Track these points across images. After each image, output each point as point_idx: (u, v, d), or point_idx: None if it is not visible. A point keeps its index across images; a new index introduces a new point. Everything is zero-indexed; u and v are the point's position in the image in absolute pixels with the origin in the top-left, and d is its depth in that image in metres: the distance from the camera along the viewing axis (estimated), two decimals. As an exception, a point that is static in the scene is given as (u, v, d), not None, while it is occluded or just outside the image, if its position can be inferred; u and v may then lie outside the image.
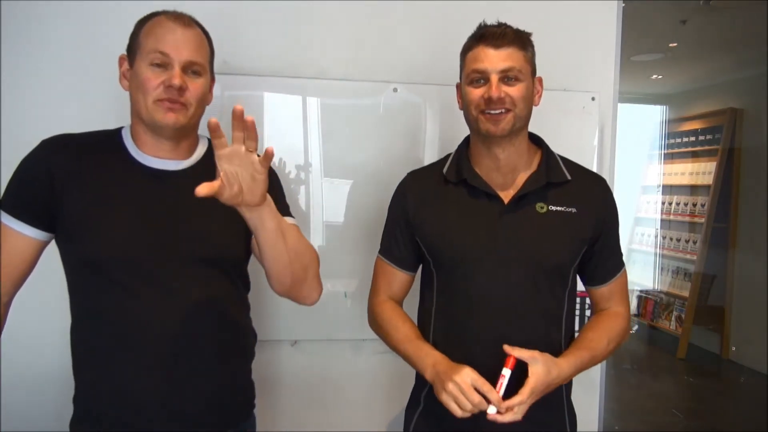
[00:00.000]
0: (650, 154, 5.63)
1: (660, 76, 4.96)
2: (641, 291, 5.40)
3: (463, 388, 1.02)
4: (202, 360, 1.06)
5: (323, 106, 1.69)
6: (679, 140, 5.29)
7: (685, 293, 4.81)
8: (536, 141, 1.27)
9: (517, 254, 1.14)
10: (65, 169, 1.03)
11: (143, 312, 1.02)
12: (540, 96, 1.22)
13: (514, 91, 1.11)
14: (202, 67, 1.06)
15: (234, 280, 1.13)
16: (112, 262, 1.01)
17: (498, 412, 1.04)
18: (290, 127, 1.68)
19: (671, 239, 5.16)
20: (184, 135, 1.09)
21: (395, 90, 1.71)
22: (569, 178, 1.19)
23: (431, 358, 1.12)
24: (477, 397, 1.02)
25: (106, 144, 1.09)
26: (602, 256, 1.22)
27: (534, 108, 1.22)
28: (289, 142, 1.68)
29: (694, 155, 5.06)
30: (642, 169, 5.67)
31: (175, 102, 1.02)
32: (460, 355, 1.12)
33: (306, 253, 1.09)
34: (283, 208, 1.17)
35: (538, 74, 1.22)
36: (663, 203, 5.34)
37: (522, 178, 1.19)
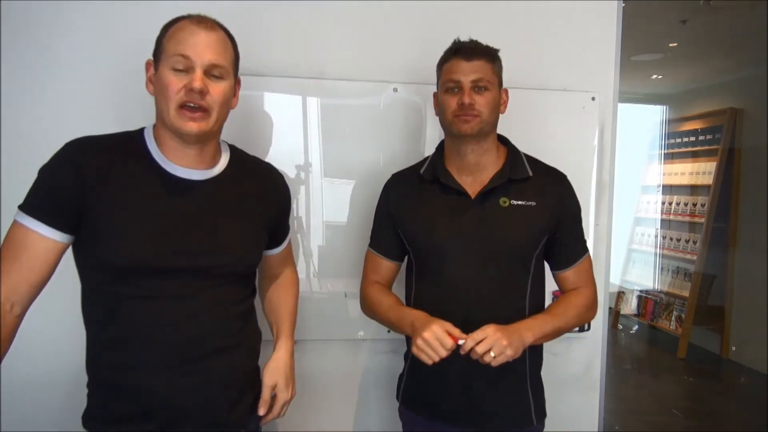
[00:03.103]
0: (650, 154, 5.62)
1: (660, 76, 4.96)
2: (641, 291, 5.40)
3: (430, 343, 1.16)
4: (212, 363, 1.08)
5: (323, 106, 1.69)
6: (679, 140, 5.29)
7: (685, 293, 4.81)
8: (504, 141, 1.40)
9: (480, 243, 1.29)
10: (93, 172, 1.02)
11: (157, 317, 1.04)
12: (506, 105, 1.37)
13: (482, 99, 1.27)
14: (225, 70, 1.06)
15: (245, 286, 1.18)
16: (131, 268, 1.02)
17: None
18: (290, 127, 1.68)
19: (671, 239, 5.16)
20: (208, 140, 1.10)
21: (395, 90, 1.71)
22: (530, 174, 1.33)
23: (409, 318, 1.26)
24: (443, 352, 1.16)
25: (130, 148, 1.09)
26: (562, 243, 1.36)
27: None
28: (289, 142, 1.68)
29: (694, 155, 5.06)
30: (642, 169, 5.66)
31: (197, 110, 1.03)
32: None
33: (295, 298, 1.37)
34: (287, 229, 1.34)
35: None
36: (663, 203, 5.34)
37: (488, 175, 1.33)
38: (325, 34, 1.69)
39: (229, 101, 1.10)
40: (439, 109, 1.34)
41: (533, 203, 1.31)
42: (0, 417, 1.55)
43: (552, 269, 1.40)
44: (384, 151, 1.72)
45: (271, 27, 1.66)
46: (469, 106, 1.25)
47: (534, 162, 1.37)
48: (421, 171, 1.39)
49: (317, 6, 1.67)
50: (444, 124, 1.34)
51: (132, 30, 1.55)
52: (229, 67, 1.08)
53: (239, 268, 1.14)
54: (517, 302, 1.32)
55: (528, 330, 1.22)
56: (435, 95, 1.38)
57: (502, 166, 1.34)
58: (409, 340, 1.34)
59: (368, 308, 1.41)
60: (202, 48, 1.03)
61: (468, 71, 1.26)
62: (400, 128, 1.73)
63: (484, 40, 1.33)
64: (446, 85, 1.30)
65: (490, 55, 1.30)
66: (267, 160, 1.62)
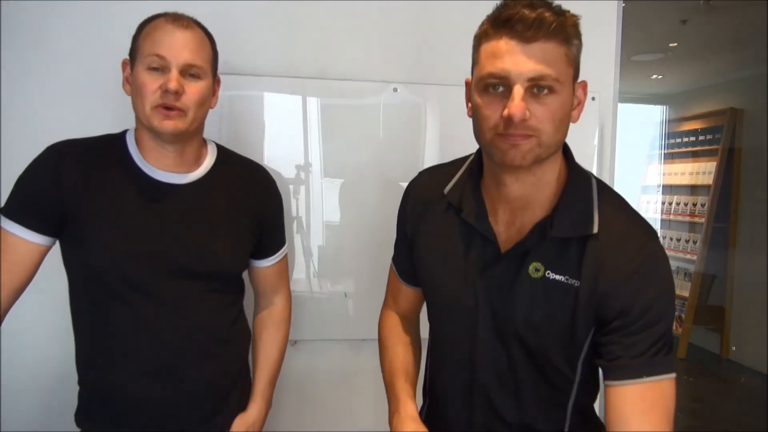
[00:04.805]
0: (650, 154, 5.63)
1: (660, 76, 4.96)
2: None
3: None
4: (194, 370, 1.08)
5: (323, 106, 1.69)
6: (679, 140, 5.29)
7: (685, 293, 4.81)
8: (566, 155, 0.92)
9: (490, 321, 0.91)
10: (73, 176, 1.02)
11: (139, 322, 1.03)
12: (581, 109, 0.86)
13: (545, 110, 0.78)
14: (202, 69, 1.03)
15: (231, 290, 1.16)
16: (112, 272, 1.02)
17: None
18: (290, 127, 1.68)
19: (671, 239, 5.16)
20: (187, 139, 1.07)
21: (395, 90, 1.71)
22: (595, 231, 0.84)
23: (394, 402, 0.99)
24: None
25: (111, 151, 1.07)
26: (618, 347, 0.84)
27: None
28: (289, 142, 1.68)
29: (694, 155, 5.06)
30: (642, 169, 5.66)
31: (172, 109, 1.00)
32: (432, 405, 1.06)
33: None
34: (280, 240, 1.26)
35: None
36: (663, 203, 5.34)
37: (536, 217, 0.88)
38: (325, 34, 1.69)
39: (206, 101, 1.06)
40: (473, 114, 0.85)
41: (576, 283, 0.84)
42: (0, 417, 1.54)
43: (605, 378, 0.87)
44: (384, 151, 1.71)
45: (271, 27, 1.66)
46: (521, 123, 0.77)
47: (609, 206, 0.87)
48: (446, 190, 0.97)
49: (317, 6, 1.67)
50: (480, 143, 0.86)
51: (130, 30, 1.55)
52: (206, 66, 1.05)
53: (221, 273, 1.11)
54: (554, 409, 0.93)
55: None
56: (467, 85, 0.89)
57: (554, 208, 0.87)
58: (427, 376, 1.13)
59: (378, 343, 1.14)
60: (178, 48, 1.00)
61: (524, 61, 0.76)
62: (400, 128, 1.72)
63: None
64: (486, 80, 0.79)
65: (564, 33, 0.77)
66: (266, 159, 1.63)
